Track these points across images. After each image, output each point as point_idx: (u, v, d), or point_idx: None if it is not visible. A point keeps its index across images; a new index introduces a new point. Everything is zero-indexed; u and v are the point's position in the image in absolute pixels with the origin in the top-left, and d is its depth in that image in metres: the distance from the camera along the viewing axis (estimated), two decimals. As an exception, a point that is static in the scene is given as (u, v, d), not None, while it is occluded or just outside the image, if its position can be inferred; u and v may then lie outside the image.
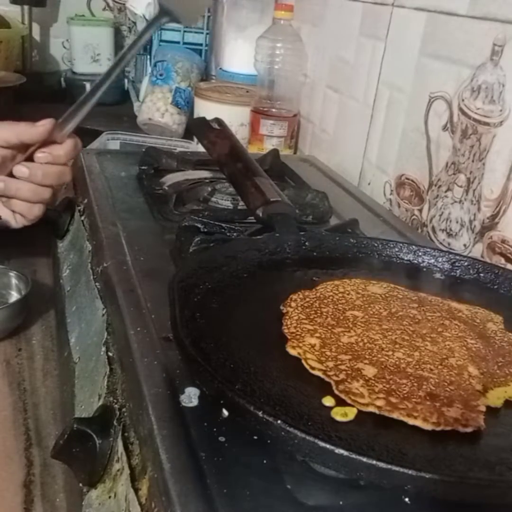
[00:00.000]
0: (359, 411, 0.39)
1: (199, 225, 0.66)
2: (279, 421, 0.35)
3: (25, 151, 0.65)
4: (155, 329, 0.50)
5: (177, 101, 1.38)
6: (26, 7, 1.64)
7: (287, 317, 0.50)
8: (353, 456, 0.33)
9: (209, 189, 0.82)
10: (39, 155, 0.64)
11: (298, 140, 1.27)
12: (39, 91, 1.55)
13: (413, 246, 0.63)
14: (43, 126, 0.63)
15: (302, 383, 0.42)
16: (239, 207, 0.78)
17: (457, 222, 0.79)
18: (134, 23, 1.69)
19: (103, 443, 0.45)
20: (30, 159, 0.65)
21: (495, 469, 0.36)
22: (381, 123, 0.97)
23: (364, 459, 0.33)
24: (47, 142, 0.64)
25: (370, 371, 0.43)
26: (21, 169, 0.64)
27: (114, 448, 0.45)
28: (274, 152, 1.00)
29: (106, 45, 1.70)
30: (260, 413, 0.35)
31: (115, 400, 0.48)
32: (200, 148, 0.86)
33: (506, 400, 0.43)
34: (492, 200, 0.73)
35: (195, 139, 1.15)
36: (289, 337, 0.47)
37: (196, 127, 0.84)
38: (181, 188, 0.82)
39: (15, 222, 0.67)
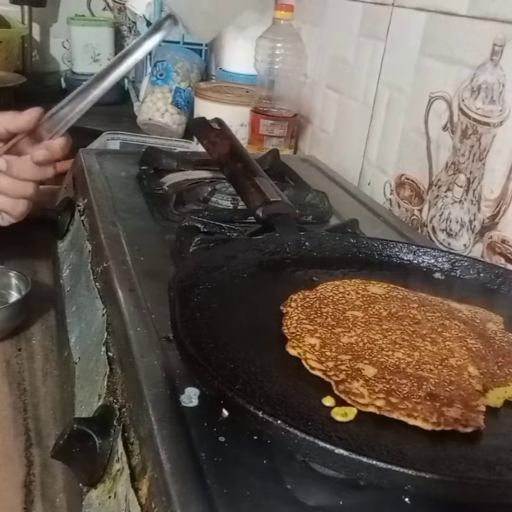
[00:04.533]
0: (359, 411, 0.39)
1: (199, 225, 0.66)
2: (279, 421, 0.35)
3: (7, 142, 0.64)
4: (155, 329, 0.50)
5: (177, 101, 1.38)
6: (26, 7, 1.64)
7: (287, 317, 0.50)
8: (353, 456, 0.33)
9: (209, 189, 0.82)
10: (36, 153, 0.63)
11: (298, 140, 1.27)
12: (39, 91, 1.55)
13: (413, 246, 0.63)
14: (30, 114, 0.62)
15: (302, 383, 0.42)
16: (239, 207, 0.78)
17: (457, 222, 0.79)
18: (134, 23, 1.69)
19: (103, 443, 0.45)
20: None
21: (495, 469, 0.36)
22: (381, 123, 0.97)
23: (364, 459, 0.33)
24: (37, 138, 0.64)
25: (370, 371, 0.43)
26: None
27: (114, 448, 0.45)
28: (274, 152, 1.00)
29: (106, 45, 1.70)
30: (260, 413, 0.35)
31: (115, 400, 0.48)
32: (200, 148, 0.86)
33: (506, 400, 0.43)
34: (492, 200, 0.73)
35: (195, 139, 1.15)
36: (289, 337, 0.47)
37: (196, 127, 0.84)
38: (181, 188, 0.82)
39: (2, 219, 0.67)
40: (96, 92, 0.65)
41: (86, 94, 0.65)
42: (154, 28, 0.65)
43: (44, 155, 0.63)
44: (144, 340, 0.49)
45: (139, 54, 0.66)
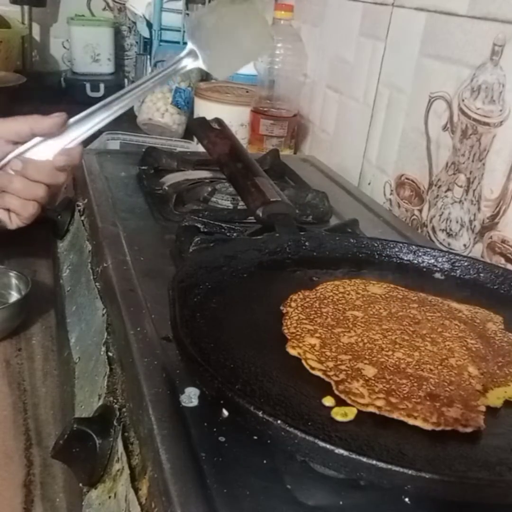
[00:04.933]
0: (359, 411, 0.39)
1: (199, 225, 0.66)
2: (279, 421, 0.35)
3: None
4: (155, 329, 0.50)
5: (177, 101, 1.38)
6: (26, 7, 1.64)
7: (287, 317, 0.50)
8: (353, 456, 0.33)
9: (209, 189, 0.82)
10: (57, 158, 0.64)
11: (298, 140, 1.27)
12: (39, 91, 1.55)
13: (413, 246, 0.63)
14: (55, 118, 0.63)
15: (302, 383, 0.42)
16: (239, 207, 0.78)
17: (457, 222, 0.79)
18: (134, 23, 1.68)
19: (103, 443, 0.45)
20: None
21: (495, 469, 0.36)
22: (381, 123, 0.97)
23: (364, 459, 0.33)
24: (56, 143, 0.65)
25: (370, 371, 0.43)
26: (15, 162, 0.64)
27: (114, 448, 0.45)
28: (274, 152, 1.00)
29: (106, 45, 1.70)
30: (260, 413, 0.35)
31: (115, 400, 0.48)
32: (200, 148, 0.86)
33: (506, 400, 0.43)
34: (492, 200, 0.73)
35: (195, 139, 1.15)
36: (289, 337, 0.47)
37: (196, 127, 0.84)
38: (181, 188, 0.82)
39: (10, 222, 0.67)
40: (117, 108, 0.68)
41: (108, 108, 0.67)
42: (177, 59, 0.68)
43: (65, 161, 0.65)
44: (144, 340, 0.49)
45: (160, 79, 0.69)
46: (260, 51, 0.81)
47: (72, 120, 0.66)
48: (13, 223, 0.67)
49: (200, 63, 0.67)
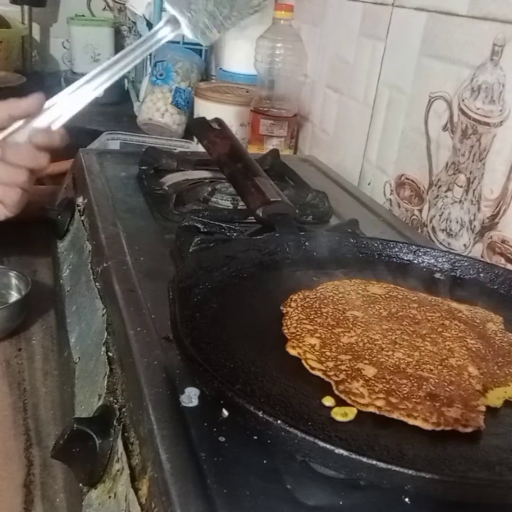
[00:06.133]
0: (359, 411, 0.39)
1: (199, 225, 0.66)
2: (279, 421, 0.35)
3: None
4: (155, 329, 0.50)
5: (177, 101, 1.38)
6: (26, 7, 1.64)
7: (287, 317, 0.50)
8: (353, 456, 0.33)
9: (209, 189, 0.82)
10: (35, 136, 0.62)
11: (298, 140, 1.27)
12: (39, 91, 1.56)
13: (413, 246, 0.63)
14: (33, 99, 0.62)
15: (302, 383, 0.42)
16: (239, 207, 0.78)
17: (457, 222, 0.79)
18: (134, 23, 1.68)
19: (103, 443, 0.45)
20: None
21: (495, 469, 0.36)
22: (381, 123, 0.97)
23: (364, 459, 0.33)
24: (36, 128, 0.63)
25: (370, 371, 0.43)
26: None
27: (114, 448, 0.45)
28: (274, 152, 1.00)
29: (106, 45, 1.70)
30: (260, 413, 0.35)
31: (115, 400, 0.48)
32: (200, 148, 0.86)
33: (506, 400, 0.43)
34: (492, 200, 0.73)
35: (195, 139, 1.15)
36: (289, 337, 0.47)
37: (196, 127, 0.84)
38: (181, 188, 0.82)
39: None
40: (97, 87, 0.65)
41: (86, 88, 0.65)
42: (156, 30, 0.64)
43: (43, 139, 0.62)
44: (144, 340, 0.49)
45: (140, 54, 0.66)
46: (251, 9, 0.68)
47: (51, 101, 0.64)
48: (0, 214, 0.66)
49: (182, 30, 0.61)
